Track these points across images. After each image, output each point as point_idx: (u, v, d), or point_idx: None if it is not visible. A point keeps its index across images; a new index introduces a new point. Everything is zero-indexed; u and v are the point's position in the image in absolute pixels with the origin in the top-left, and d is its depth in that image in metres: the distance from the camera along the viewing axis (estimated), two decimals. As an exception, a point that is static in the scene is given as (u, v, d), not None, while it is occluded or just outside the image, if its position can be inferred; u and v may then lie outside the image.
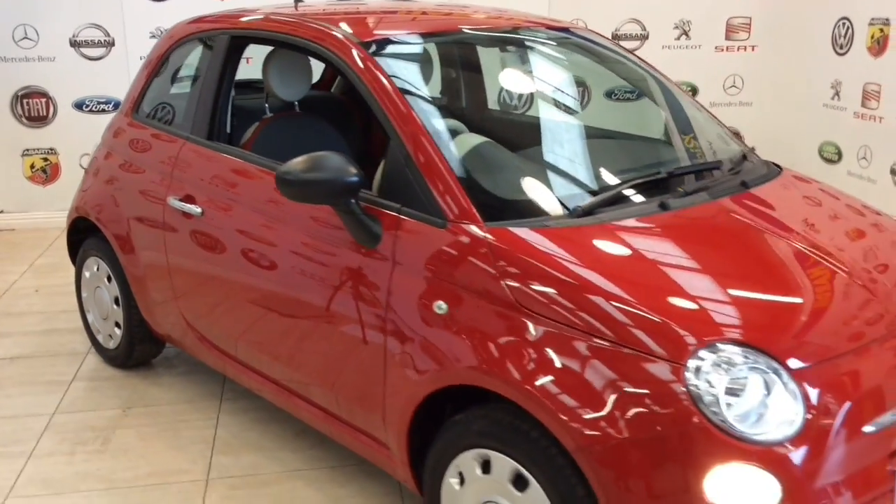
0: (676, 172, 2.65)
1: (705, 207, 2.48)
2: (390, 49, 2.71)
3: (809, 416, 1.90)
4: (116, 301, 3.64)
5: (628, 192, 2.47)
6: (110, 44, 5.85)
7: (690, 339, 1.93)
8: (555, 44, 3.19)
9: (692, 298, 2.07)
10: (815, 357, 2.00)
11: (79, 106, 5.89)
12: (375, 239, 2.40)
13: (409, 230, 2.35)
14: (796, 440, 1.89)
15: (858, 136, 5.94)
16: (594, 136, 2.97)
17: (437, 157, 2.35)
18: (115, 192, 3.53)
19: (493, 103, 3.22)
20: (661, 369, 1.91)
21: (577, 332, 2.01)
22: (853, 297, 2.22)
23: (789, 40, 6.63)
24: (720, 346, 1.94)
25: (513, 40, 3.12)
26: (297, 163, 2.37)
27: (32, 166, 5.94)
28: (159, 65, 3.51)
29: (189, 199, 3.07)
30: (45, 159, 5.94)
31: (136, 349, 3.67)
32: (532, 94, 3.05)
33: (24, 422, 3.36)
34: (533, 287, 2.10)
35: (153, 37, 5.80)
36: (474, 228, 2.24)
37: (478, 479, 2.22)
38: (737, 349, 1.94)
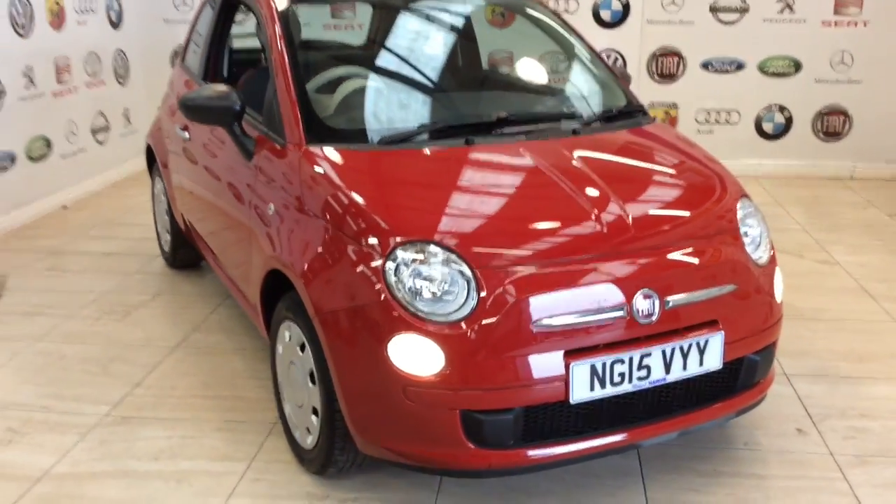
0: (511, 119, 3.06)
1: (506, 146, 2.91)
2: (300, 6, 3.35)
3: (479, 306, 2.35)
4: (165, 212, 4.59)
5: (449, 129, 2.96)
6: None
7: (395, 236, 2.44)
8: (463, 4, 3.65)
9: (415, 207, 2.56)
10: (498, 260, 2.42)
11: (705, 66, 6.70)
12: (249, 155, 3.08)
13: (267, 147, 3.01)
14: (463, 322, 2.34)
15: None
16: (460, 85, 3.43)
17: (288, 92, 2.98)
18: (160, 125, 4.46)
19: (389, 55, 3.71)
20: (371, 258, 2.44)
21: (329, 226, 2.58)
22: (575, 225, 2.58)
23: (901, 16, 6.39)
24: (418, 243, 2.42)
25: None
26: (196, 92, 3.10)
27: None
28: (195, 21, 4.37)
29: (185, 127, 3.91)
30: (667, 112, 6.81)
31: (178, 252, 4.60)
32: (415, 48, 3.53)
33: (80, 296, 4.38)
34: (312, 191, 2.69)
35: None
36: (298, 148, 2.85)
37: (287, 345, 2.85)
38: (431, 247, 2.41)
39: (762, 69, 6.85)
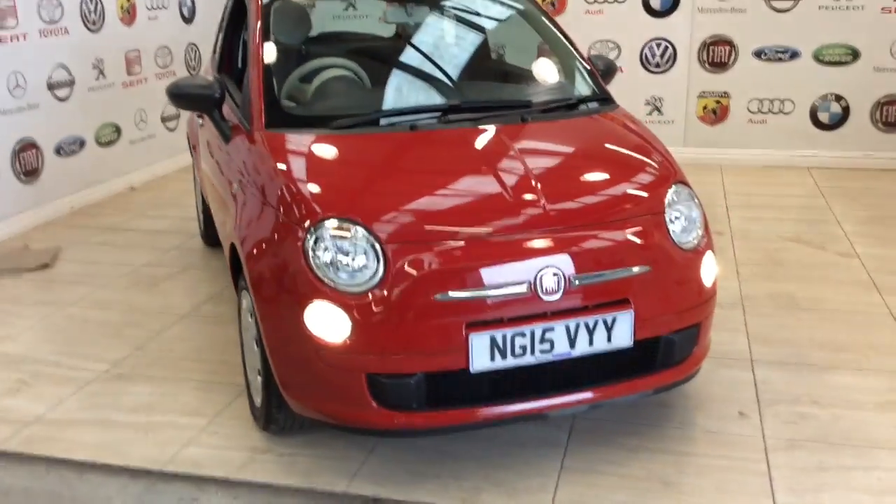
0: (465, 106, 3.24)
1: (447, 132, 3.08)
2: (278, 2, 3.62)
3: (385, 278, 2.55)
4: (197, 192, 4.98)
5: (399, 114, 3.16)
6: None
7: (315, 213, 2.67)
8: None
9: (341, 187, 2.78)
10: (407, 236, 2.61)
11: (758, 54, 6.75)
12: (227, 138, 3.38)
13: (239, 132, 3.29)
14: (369, 293, 2.55)
15: None
16: (422, 74, 3.61)
17: (256, 81, 3.25)
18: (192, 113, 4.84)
19: (363, 47, 3.90)
20: (294, 232, 2.68)
21: (266, 203, 2.84)
22: (488, 205, 2.74)
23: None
24: (336, 219, 2.64)
25: None
26: (182, 80, 3.41)
27: (705, 107, 6.93)
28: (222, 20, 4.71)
29: (200, 115, 4.25)
30: (718, 102, 6.89)
31: (209, 230, 4.96)
32: (391, 40, 3.71)
33: (119, 268, 4.82)
34: (258, 171, 2.96)
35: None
36: (259, 133, 3.12)
37: (244, 312, 3.12)
38: (346, 223, 2.63)
39: (818, 57, 6.69)
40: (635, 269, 2.72)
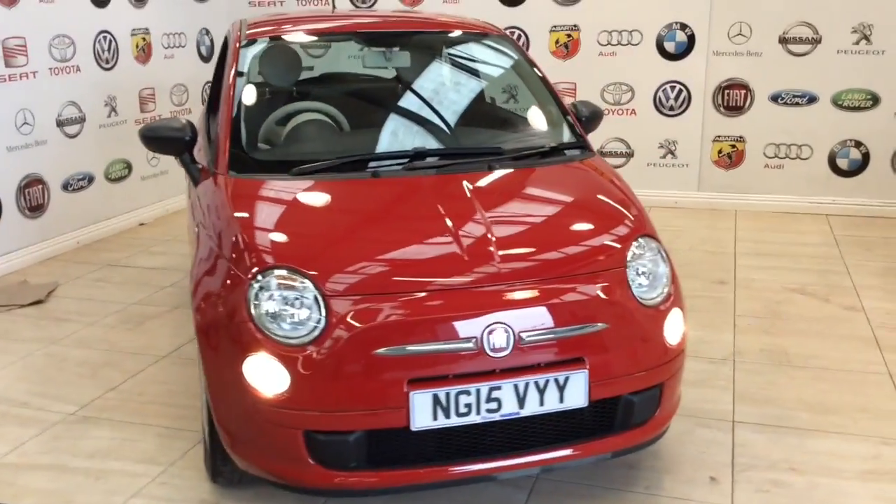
0: (430, 152, 3.18)
1: (409, 180, 3.02)
2: (256, 46, 3.60)
3: (326, 331, 2.48)
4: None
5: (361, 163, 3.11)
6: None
7: (261, 262, 2.61)
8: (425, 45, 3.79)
9: (290, 235, 2.74)
10: (352, 289, 2.54)
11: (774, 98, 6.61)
12: (195, 181, 3.35)
13: (206, 175, 3.26)
14: (310, 345, 2.48)
15: None
16: (391, 119, 3.55)
17: (223, 129, 3.23)
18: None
19: (334, 92, 3.85)
20: (239, 281, 2.62)
21: (219, 248, 2.80)
22: (438, 258, 2.67)
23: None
24: (279, 270, 2.58)
25: (383, 41, 3.78)
26: (153, 123, 3.40)
27: (720, 151, 6.79)
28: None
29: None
30: (733, 146, 6.74)
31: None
32: (364, 85, 3.67)
33: (109, 306, 4.82)
34: (215, 215, 2.92)
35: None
36: (221, 177, 3.08)
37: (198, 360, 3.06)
38: (290, 273, 2.57)
39: (836, 102, 6.52)
40: (592, 327, 2.61)
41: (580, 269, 2.72)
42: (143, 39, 6.66)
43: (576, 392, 2.57)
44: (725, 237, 6.04)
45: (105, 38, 6.23)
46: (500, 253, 2.67)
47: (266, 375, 2.51)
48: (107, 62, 6.28)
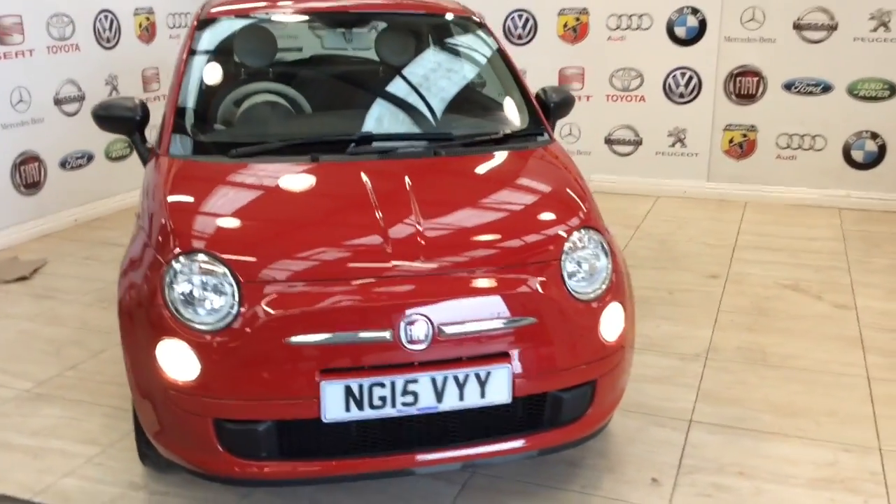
0: (376, 136, 3.10)
1: (347, 165, 2.94)
2: (213, 26, 3.54)
3: (237, 318, 2.42)
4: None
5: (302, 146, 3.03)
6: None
7: (177, 246, 2.56)
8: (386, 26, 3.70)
9: (212, 219, 2.67)
10: (267, 276, 2.47)
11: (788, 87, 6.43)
12: (145, 161, 3.31)
13: (154, 156, 3.22)
14: (221, 332, 2.42)
15: None
16: (342, 102, 3.46)
17: (170, 110, 3.18)
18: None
19: (288, 74, 3.76)
20: (157, 264, 2.57)
21: (148, 229, 2.76)
22: (360, 247, 2.58)
23: None
24: (196, 255, 2.52)
25: (344, 22, 3.69)
26: (105, 101, 3.36)
27: (731, 140, 6.64)
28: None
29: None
30: (744, 135, 6.56)
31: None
32: (319, 67, 3.57)
33: (90, 283, 4.83)
34: (147, 197, 2.89)
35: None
36: (163, 159, 3.04)
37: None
38: (206, 258, 2.51)
39: (852, 92, 6.27)
40: (518, 321, 2.51)
41: (511, 261, 2.62)
42: (147, 19, 6.66)
43: (498, 387, 2.48)
44: (728, 229, 5.86)
45: (106, 17, 6.24)
46: (426, 242, 2.58)
47: (177, 361, 2.46)
48: (108, 41, 6.29)
